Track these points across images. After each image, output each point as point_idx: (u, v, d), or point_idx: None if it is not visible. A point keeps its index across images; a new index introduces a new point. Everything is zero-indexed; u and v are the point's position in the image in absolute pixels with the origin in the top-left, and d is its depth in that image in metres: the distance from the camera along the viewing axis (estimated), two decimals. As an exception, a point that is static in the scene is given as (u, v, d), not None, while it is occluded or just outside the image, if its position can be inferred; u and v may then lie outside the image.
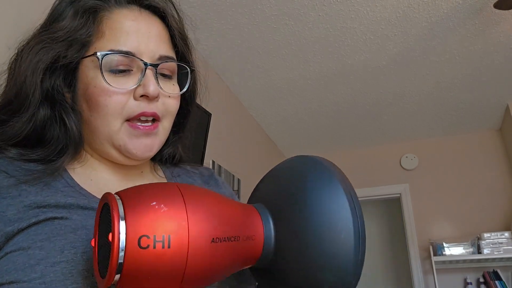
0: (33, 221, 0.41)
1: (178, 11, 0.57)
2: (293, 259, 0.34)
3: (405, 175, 3.50)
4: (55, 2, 0.53)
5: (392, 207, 4.24)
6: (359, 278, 0.34)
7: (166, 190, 0.31)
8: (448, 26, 2.10)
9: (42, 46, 0.48)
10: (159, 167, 0.62)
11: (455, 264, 3.04)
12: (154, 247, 0.27)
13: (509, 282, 2.88)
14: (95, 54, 0.48)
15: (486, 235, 2.84)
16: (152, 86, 0.48)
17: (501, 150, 3.29)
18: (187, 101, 0.61)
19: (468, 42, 2.23)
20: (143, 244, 0.27)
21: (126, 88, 0.48)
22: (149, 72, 0.49)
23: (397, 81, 2.65)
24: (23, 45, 0.51)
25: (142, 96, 0.49)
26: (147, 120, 0.50)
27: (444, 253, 2.91)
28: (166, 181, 0.59)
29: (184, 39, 0.57)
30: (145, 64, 0.49)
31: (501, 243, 2.79)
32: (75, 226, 0.42)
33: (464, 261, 2.95)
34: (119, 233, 0.27)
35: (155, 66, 0.50)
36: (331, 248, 0.32)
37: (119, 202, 0.29)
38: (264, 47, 2.26)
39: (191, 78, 0.56)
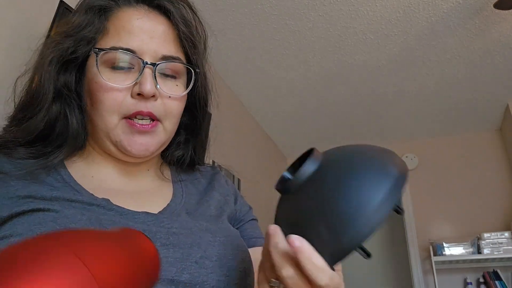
0: (15, 210, 0.41)
1: (194, 12, 0.57)
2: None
3: (405, 175, 3.50)
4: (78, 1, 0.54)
5: (392, 207, 4.23)
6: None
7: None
8: (448, 26, 2.10)
9: (55, 42, 0.50)
10: (168, 167, 0.62)
11: (455, 264, 3.04)
12: None
13: (509, 282, 2.87)
14: (93, 50, 0.49)
15: (486, 235, 2.83)
16: (148, 85, 0.48)
17: (501, 150, 3.29)
18: (196, 105, 0.60)
19: (468, 42, 2.23)
20: None
21: (123, 85, 0.49)
22: (147, 70, 0.49)
23: (397, 81, 2.65)
24: (42, 43, 0.52)
25: (138, 94, 0.49)
26: (144, 118, 0.50)
27: (444, 253, 2.91)
28: (170, 183, 0.59)
29: (191, 40, 0.55)
30: (144, 62, 0.49)
31: (501, 243, 2.79)
32: (57, 215, 0.42)
33: (464, 261, 2.94)
34: None
35: (153, 65, 0.50)
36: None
37: None
38: (264, 47, 2.25)
39: (195, 80, 0.55)
